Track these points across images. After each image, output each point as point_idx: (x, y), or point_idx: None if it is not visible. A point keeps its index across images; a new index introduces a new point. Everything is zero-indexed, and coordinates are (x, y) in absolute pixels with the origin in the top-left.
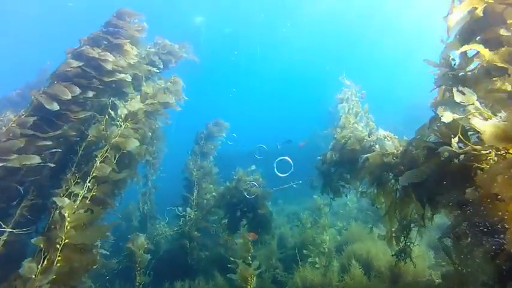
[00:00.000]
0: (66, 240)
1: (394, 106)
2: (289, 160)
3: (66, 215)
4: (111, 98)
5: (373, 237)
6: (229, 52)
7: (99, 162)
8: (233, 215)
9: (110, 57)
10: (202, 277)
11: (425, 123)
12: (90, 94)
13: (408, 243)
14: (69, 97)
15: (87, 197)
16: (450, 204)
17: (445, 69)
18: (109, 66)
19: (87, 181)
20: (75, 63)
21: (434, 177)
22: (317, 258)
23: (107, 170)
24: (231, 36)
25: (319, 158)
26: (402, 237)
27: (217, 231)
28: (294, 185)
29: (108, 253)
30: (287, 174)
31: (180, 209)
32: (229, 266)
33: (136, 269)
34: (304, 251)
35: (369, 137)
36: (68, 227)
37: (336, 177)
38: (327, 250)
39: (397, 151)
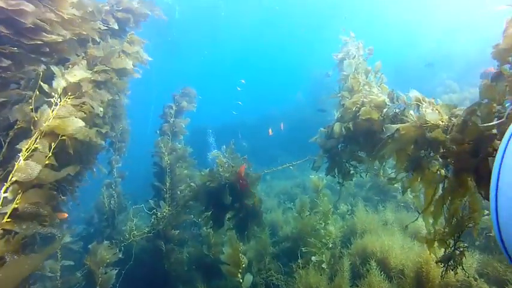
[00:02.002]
0: None
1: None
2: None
3: None
4: (43, 66)
5: (385, 226)
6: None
7: (24, 160)
8: (216, 207)
9: (28, 6)
10: None
11: (484, 81)
12: (5, 63)
13: (460, 248)
14: None
15: (5, 214)
16: None
17: None
18: (28, 21)
19: (2, 190)
20: None
21: None
22: (324, 256)
23: (35, 169)
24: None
25: (322, 130)
26: (452, 240)
27: (198, 225)
28: (291, 167)
29: (72, 263)
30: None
31: (151, 201)
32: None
33: None
34: (304, 248)
35: (393, 102)
36: None
37: (346, 156)
38: (331, 245)
39: (443, 122)
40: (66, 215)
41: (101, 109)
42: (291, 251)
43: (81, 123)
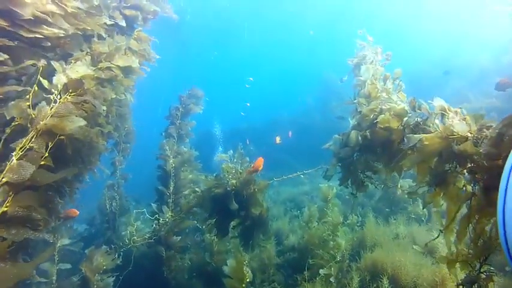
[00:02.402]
0: None
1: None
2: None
3: None
4: (43, 61)
5: (396, 240)
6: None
7: (16, 159)
8: (221, 214)
9: None
10: None
11: None
12: (1, 57)
13: (486, 272)
14: None
15: None
16: None
17: None
18: (27, 12)
19: None
20: None
21: None
22: (332, 270)
23: (29, 170)
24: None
25: (336, 137)
26: (477, 263)
27: (201, 231)
28: (302, 175)
29: (70, 266)
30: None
31: (154, 206)
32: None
33: None
34: (311, 260)
35: (414, 111)
36: None
37: (361, 166)
38: (339, 258)
39: (471, 134)
40: (77, 212)
41: (104, 108)
42: (296, 262)
43: (82, 122)
